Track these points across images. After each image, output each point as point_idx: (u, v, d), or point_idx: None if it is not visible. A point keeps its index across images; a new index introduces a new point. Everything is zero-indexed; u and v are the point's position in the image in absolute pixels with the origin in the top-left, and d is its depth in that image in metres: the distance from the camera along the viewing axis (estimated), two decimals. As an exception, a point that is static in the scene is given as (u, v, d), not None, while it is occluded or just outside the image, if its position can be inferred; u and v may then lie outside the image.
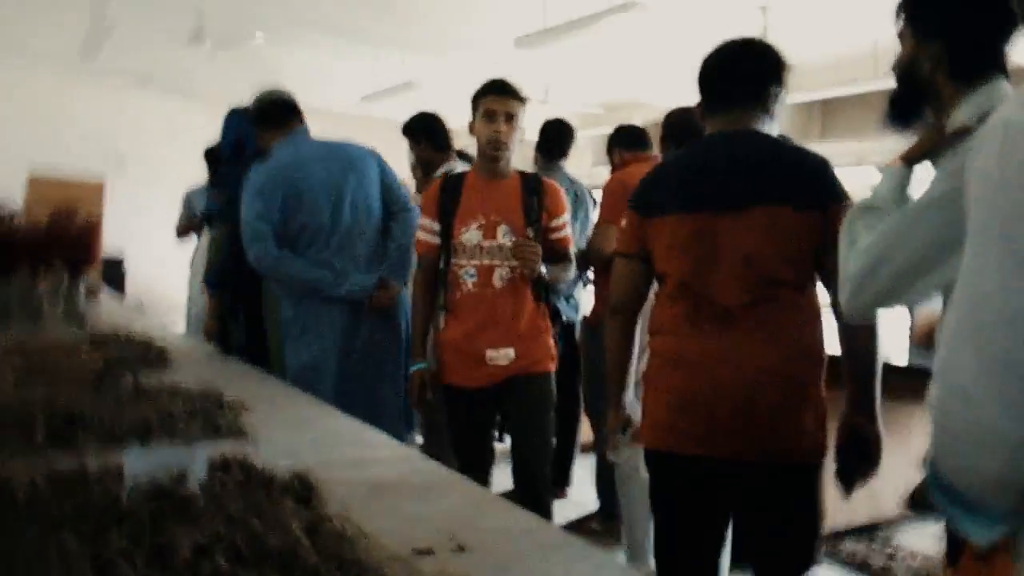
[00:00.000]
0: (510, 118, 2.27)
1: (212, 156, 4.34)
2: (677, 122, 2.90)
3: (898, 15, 1.39)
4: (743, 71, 1.74)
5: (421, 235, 2.37)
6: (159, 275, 7.83)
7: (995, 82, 1.29)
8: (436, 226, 2.32)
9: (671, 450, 1.66)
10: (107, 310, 3.63)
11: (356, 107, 8.77)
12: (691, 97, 1.84)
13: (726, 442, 1.59)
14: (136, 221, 8.07)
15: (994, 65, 1.29)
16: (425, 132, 3.41)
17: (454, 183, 2.34)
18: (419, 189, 3.44)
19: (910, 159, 1.37)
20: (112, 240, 6.71)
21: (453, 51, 7.14)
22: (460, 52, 7.14)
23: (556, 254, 2.35)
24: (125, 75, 8.71)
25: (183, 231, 4.97)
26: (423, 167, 3.42)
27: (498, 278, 2.26)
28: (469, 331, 2.26)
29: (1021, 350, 0.73)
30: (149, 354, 2.15)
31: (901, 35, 1.39)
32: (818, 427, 1.63)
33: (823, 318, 1.70)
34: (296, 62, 8.18)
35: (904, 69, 1.39)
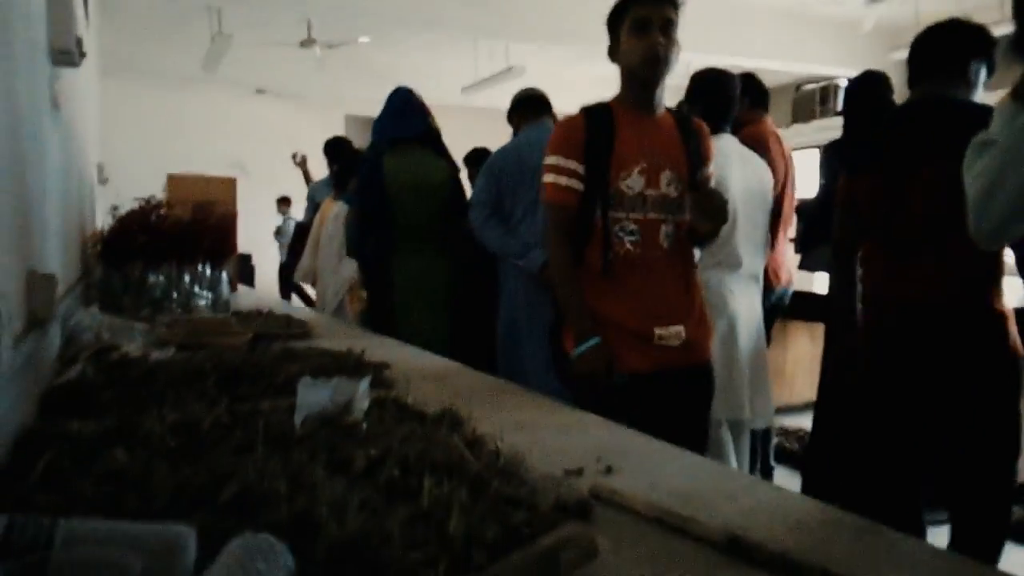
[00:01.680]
0: (667, 26, 1.78)
1: (331, 149, 4.57)
2: (703, 83, 2.80)
3: None
4: (942, 47, 2.07)
5: (557, 179, 1.83)
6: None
7: None
8: (581, 168, 1.81)
9: None
10: (246, 300, 3.87)
11: (458, 98, 8.92)
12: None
13: None
14: (260, 221, 8.55)
15: None
16: (514, 107, 3.41)
17: (601, 115, 1.85)
18: None
19: (1018, 93, 1.38)
20: (240, 238, 7.12)
21: (551, 37, 7.16)
22: (558, 36, 7.15)
23: None
24: (243, 85, 9.20)
25: (309, 223, 5.20)
26: None
27: (664, 236, 1.83)
28: (630, 304, 1.81)
29: None
30: (292, 326, 2.28)
31: None
32: None
33: None
34: (399, 61, 8.43)
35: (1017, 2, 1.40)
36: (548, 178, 1.85)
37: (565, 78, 8.26)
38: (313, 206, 5.04)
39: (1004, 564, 2.24)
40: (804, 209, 3.26)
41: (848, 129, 3.05)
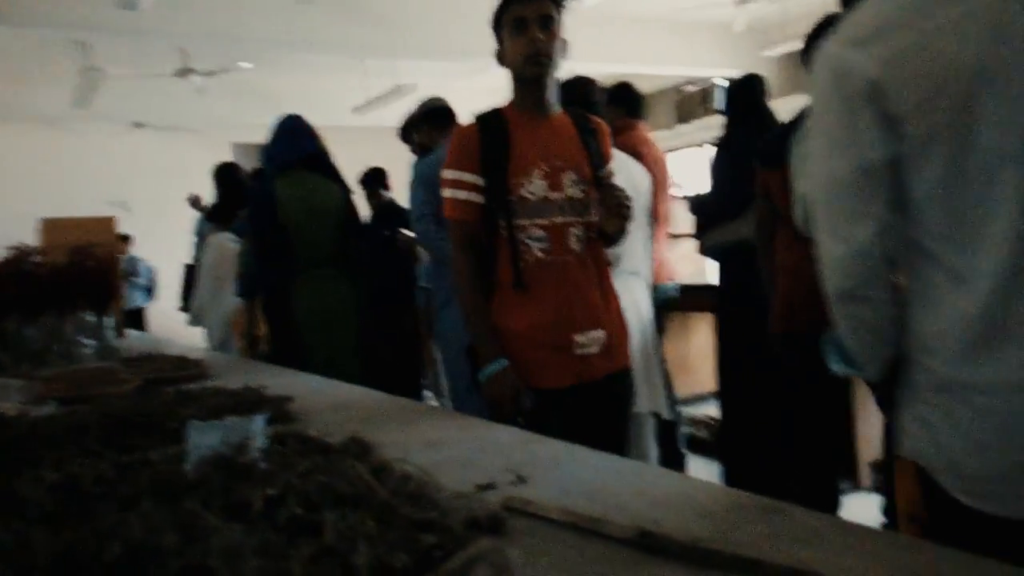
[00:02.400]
0: (546, 22, 1.74)
1: (222, 176, 4.42)
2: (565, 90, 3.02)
3: None
4: None
5: (456, 193, 1.78)
6: (178, 313, 7.90)
7: None
8: (480, 180, 1.76)
9: None
10: (135, 346, 3.68)
11: (348, 119, 8.81)
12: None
13: None
14: (150, 261, 8.16)
15: None
16: (424, 116, 3.43)
17: (495, 122, 1.80)
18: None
19: None
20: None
21: (440, 53, 7.16)
22: (447, 53, 7.16)
23: None
24: (119, 120, 8.81)
25: (197, 262, 4.98)
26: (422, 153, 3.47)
27: (574, 240, 1.78)
28: (546, 313, 1.74)
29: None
30: (186, 367, 2.18)
31: None
32: None
33: None
34: (284, 84, 8.25)
35: None
36: (447, 193, 1.80)
37: (457, 92, 8.28)
38: (202, 242, 4.86)
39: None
40: (697, 202, 3.41)
41: (729, 127, 3.22)
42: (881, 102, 1.02)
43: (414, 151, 3.65)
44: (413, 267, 4.19)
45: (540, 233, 1.75)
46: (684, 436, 3.60)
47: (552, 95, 1.83)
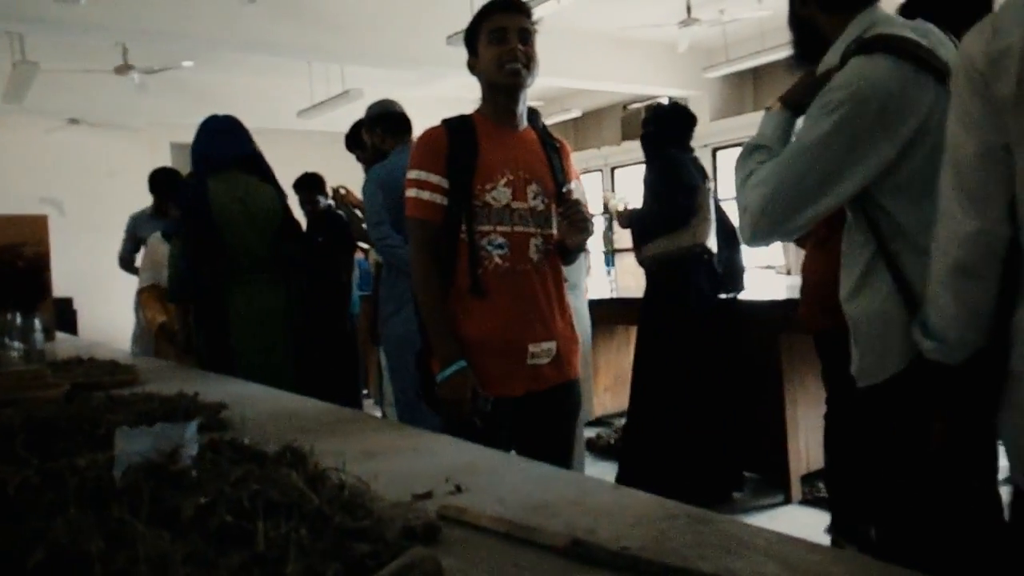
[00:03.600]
0: (525, 36, 1.78)
1: (156, 180, 4.32)
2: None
3: None
4: None
5: (420, 193, 1.78)
6: (110, 314, 7.67)
7: (869, 11, 1.47)
8: (444, 182, 1.77)
9: None
10: (65, 349, 3.56)
11: (293, 122, 8.70)
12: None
13: None
14: (82, 261, 7.89)
15: None
16: (379, 119, 3.38)
17: (463, 127, 1.82)
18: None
19: (787, 102, 1.54)
20: (59, 282, 6.58)
21: (388, 59, 7.14)
22: (395, 60, 7.14)
23: None
24: (54, 115, 8.52)
25: (128, 260, 4.80)
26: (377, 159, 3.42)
27: (534, 250, 1.80)
28: (502, 320, 1.76)
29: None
30: (116, 373, 2.12)
31: None
32: None
33: None
34: (228, 84, 8.11)
35: (791, 16, 1.58)
36: (411, 192, 1.80)
37: (405, 101, 8.27)
38: (133, 240, 4.69)
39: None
40: (633, 217, 3.51)
41: (659, 147, 3.37)
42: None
43: (360, 159, 3.62)
44: (349, 274, 4.16)
45: (501, 240, 1.77)
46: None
47: (524, 108, 1.86)
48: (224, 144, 2.94)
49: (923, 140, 1.38)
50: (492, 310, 1.76)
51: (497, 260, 1.77)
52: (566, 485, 1.08)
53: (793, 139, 1.49)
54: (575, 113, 10.59)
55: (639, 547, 0.80)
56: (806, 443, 3.43)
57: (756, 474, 3.65)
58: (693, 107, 9.80)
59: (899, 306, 1.40)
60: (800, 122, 1.52)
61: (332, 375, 3.85)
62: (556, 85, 7.82)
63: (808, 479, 3.46)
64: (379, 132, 3.35)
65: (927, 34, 1.45)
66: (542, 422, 1.83)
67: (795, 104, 1.53)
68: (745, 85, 9.27)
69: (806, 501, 3.38)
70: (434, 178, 1.78)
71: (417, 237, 1.80)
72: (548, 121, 7.90)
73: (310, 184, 4.52)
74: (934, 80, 1.38)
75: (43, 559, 0.72)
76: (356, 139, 3.59)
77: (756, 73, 9.02)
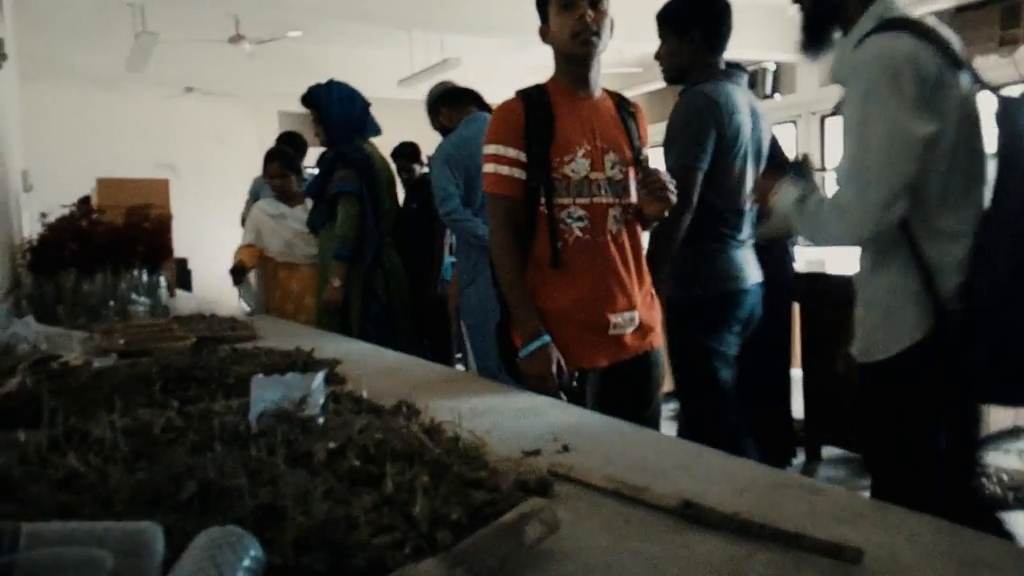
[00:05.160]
0: (596, 1, 1.72)
1: (287, 140, 4.49)
2: None
3: None
4: None
5: (499, 169, 1.75)
6: (222, 273, 8.06)
7: None
8: (523, 156, 1.74)
9: None
10: (185, 305, 3.79)
11: (394, 91, 8.84)
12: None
13: None
14: (195, 224, 8.33)
15: None
16: (442, 97, 3.43)
17: (538, 99, 1.78)
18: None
19: (771, 199, 1.68)
20: (175, 243, 7.00)
21: (487, 28, 7.14)
22: (494, 28, 7.13)
23: None
24: (171, 84, 8.95)
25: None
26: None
27: (612, 221, 1.78)
28: (583, 293, 1.75)
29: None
30: (236, 328, 2.25)
31: None
32: None
33: None
34: (331, 54, 8.30)
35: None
36: (489, 168, 1.77)
37: (501, 68, 8.27)
38: (254, 200, 4.90)
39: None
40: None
41: None
42: None
43: (436, 129, 3.67)
44: (442, 240, 4.22)
45: (581, 212, 1.74)
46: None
47: (598, 75, 1.82)
48: (363, 111, 3.10)
49: (951, 120, 1.41)
50: (573, 282, 1.74)
51: (577, 233, 1.74)
52: (673, 450, 1.09)
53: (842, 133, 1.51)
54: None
55: (749, 512, 0.81)
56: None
57: (859, 454, 3.55)
58: (801, 73, 9.33)
59: (916, 282, 1.45)
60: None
61: (425, 339, 3.94)
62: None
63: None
64: (444, 111, 3.37)
65: (939, 25, 1.49)
66: (627, 392, 1.82)
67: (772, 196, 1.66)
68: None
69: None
70: (512, 152, 1.75)
71: (497, 212, 1.78)
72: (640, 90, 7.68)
73: (407, 153, 4.61)
74: (952, 65, 1.43)
75: (195, 491, 0.80)
76: (432, 113, 3.65)
77: None
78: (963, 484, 1.62)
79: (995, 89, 1.45)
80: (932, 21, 1.50)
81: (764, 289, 2.45)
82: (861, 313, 1.57)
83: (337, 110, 3.09)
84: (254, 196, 4.86)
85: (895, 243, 1.49)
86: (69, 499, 0.80)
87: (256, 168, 4.84)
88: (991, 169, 1.46)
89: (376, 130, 3.19)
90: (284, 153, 3.93)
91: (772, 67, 9.14)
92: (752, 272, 2.40)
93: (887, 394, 1.54)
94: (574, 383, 1.72)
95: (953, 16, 7.41)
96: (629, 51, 8.22)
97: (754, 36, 8.10)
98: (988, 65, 7.24)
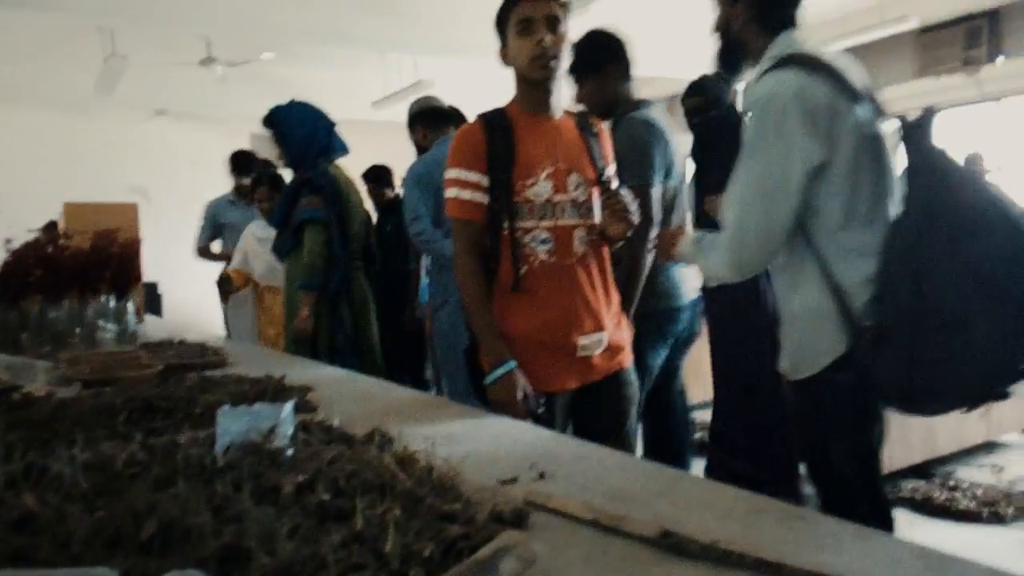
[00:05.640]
0: (554, 24, 1.71)
1: (239, 161, 4.43)
2: None
3: None
4: None
5: (460, 193, 1.74)
6: (194, 298, 7.96)
7: (787, 33, 1.61)
8: (484, 180, 1.73)
9: None
10: (154, 331, 3.71)
11: (368, 113, 8.84)
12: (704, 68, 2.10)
13: None
14: (166, 248, 8.23)
15: (790, 18, 1.63)
16: (418, 116, 3.42)
17: (499, 122, 1.77)
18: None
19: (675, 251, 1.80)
20: (144, 267, 6.91)
21: (461, 50, 7.18)
22: (468, 50, 7.17)
23: None
24: (141, 107, 8.88)
25: (206, 248, 4.77)
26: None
27: (578, 242, 1.76)
28: (549, 316, 1.73)
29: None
30: (206, 355, 2.20)
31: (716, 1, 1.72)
32: None
33: None
34: (304, 76, 8.28)
35: (721, 28, 1.72)
36: (451, 192, 1.76)
37: (475, 90, 8.31)
38: (213, 227, 4.72)
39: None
40: None
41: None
42: None
43: (414, 145, 3.63)
44: (416, 263, 4.19)
45: (546, 235, 1.73)
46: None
47: (559, 96, 1.80)
48: (328, 131, 3.02)
49: (846, 145, 1.51)
50: (539, 306, 1.73)
51: (543, 256, 1.73)
52: (651, 476, 1.07)
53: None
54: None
55: (729, 540, 0.80)
56: (887, 442, 3.32)
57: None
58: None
59: (830, 300, 1.52)
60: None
61: (398, 362, 3.90)
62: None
63: (890, 478, 3.36)
64: (420, 129, 3.38)
65: (837, 59, 1.60)
66: (598, 413, 1.80)
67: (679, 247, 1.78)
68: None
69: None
70: (474, 176, 1.74)
71: (460, 237, 1.77)
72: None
73: (378, 176, 4.60)
74: (846, 96, 1.52)
75: (156, 531, 0.76)
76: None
77: (866, 49, 8.71)
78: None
79: (900, 116, 1.54)
80: (832, 56, 1.59)
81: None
82: (785, 332, 1.64)
83: (298, 131, 2.98)
84: (211, 222, 4.75)
85: (806, 263, 1.57)
86: (24, 542, 0.76)
87: (228, 190, 4.79)
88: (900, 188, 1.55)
89: (343, 149, 3.08)
90: (271, 176, 3.89)
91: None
92: (688, 289, 2.52)
93: (818, 408, 1.60)
94: (540, 408, 1.70)
95: (917, 36, 7.57)
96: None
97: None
98: (952, 84, 7.40)
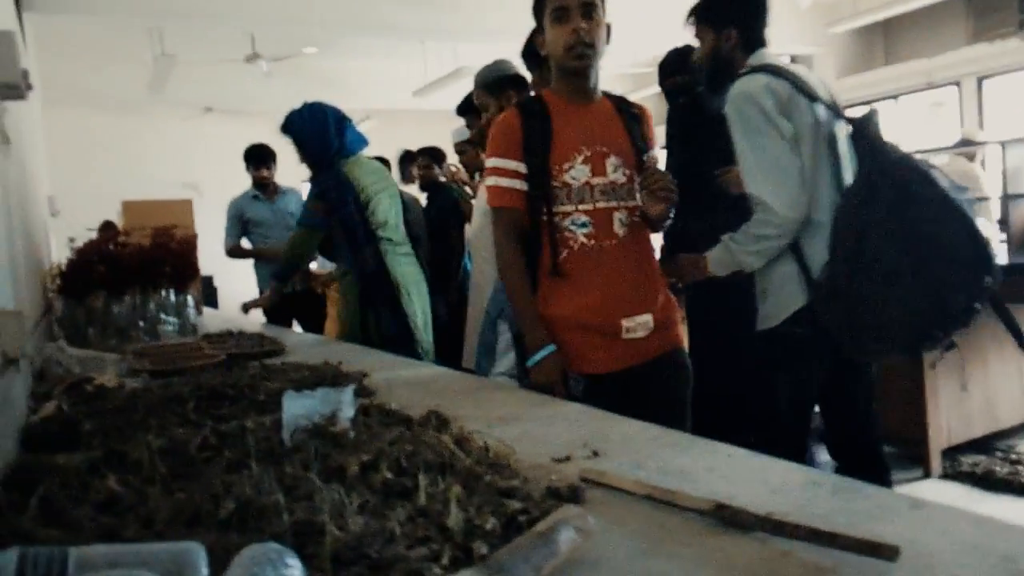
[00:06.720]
0: (589, 11, 1.72)
1: (255, 155, 4.48)
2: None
3: (690, 21, 2.08)
4: None
5: (500, 181, 1.78)
6: (248, 290, 8.16)
7: (763, 49, 2.02)
8: (522, 167, 1.76)
9: None
10: (213, 323, 3.83)
11: (410, 102, 8.90)
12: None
13: None
14: (219, 242, 8.44)
15: (764, 39, 2.04)
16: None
17: (535, 108, 1.80)
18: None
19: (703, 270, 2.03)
20: (201, 260, 7.11)
21: (500, 35, 7.18)
22: (507, 35, 7.17)
23: None
24: (191, 104, 9.09)
25: (236, 247, 4.75)
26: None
27: (618, 224, 1.77)
28: (591, 299, 1.74)
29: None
30: (265, 344, 2.28)
31: (700, 34, 2.07)
32: None
33: None
34: (346, 69, 8.38)
35: (710, 56, 2.06)
36: (490, 181, 1.80)
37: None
38: (239, 224, 4.71)
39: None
40: None
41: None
42: None
43: (470, 125, 3.54)
44: (461, 247, 4.20)
45: (584, 219, 1.75)
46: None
47: (595, 82, 1.81)
48: (340, 128, 3.02)
49: (808, 135, 1.87)
50: (581, 289, 1.74)
51: (582, 239, 1.75)
52: (702, 452, 1.09)
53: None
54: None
55: (783, 513, 0.81)
56: (947, 416, 3.27)
57: (894, 448, 3.51)
58: (817, 65, 9.28)
59: (794, 266, 1.89)
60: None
61: (443, 346, 3.93)
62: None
63: (949, 453, 3.31)
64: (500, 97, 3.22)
65: (797, 69, 1.98)
66: (646, 395, 1.78)
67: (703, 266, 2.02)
68: (875, 39, 8.74)
69: (947, 475, 3.23)
70: (512, 164, 1.76)
71: (501, 225, 1.79)
72: (652, 90, 7.59)
73: (431, 154, 4.65)
74: (804, 95, 1.89)
75: (234, 510, 0.81)
76: (469, 105, 3.51)
77: (887, 25, 8.48)
78: (863, 438, 2.04)
79: (857, 116, 1.90)
80: (793, 67, 1.99)
81: None
82: (760, 293, 1.97)
83: (310, 134, 3.00)
84: (237, 219, 4.73)
85: None
86: (111, 522, 0.81)
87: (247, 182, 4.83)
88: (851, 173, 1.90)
89: (361, 143, 3.08)
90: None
91: (787, 60, 9.08)
92: None
93: (775, 356, 1.95)
94: (580, 389, 1.71)
95: (969, 1, 7.33)
96: (643, 52, 8.21)
97: (768, 30, 8.06)
98: (1008, 49, 7.14)
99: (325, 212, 2.96)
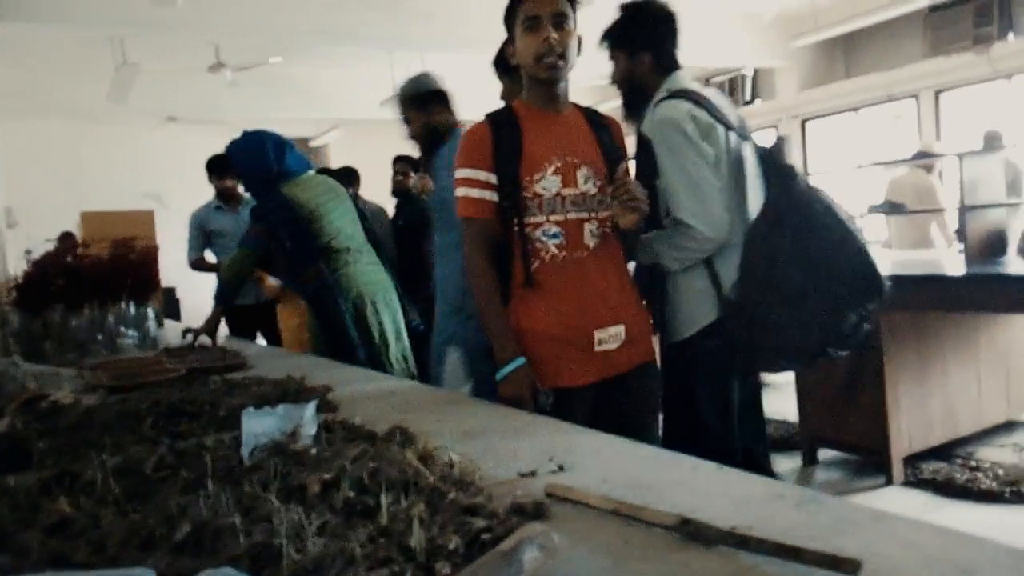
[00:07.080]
0: (560, 21, 1.72)
1: (216, 166, 4.42)
2: None
3: (603, 45, 2.13)
4: None
5: (470, 192, 1.75)
6: (209, 305, 8.04)
7: (676, 74, 2.07)
8: (492, 177, 1.74)
9: None
10: (174, 336, 3.76)
11: (376, 112, 8.87)
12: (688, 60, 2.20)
13: None
14: (182, 252, 8.31)
15: (677, 61, 2.10)
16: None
17: (505, 118, 1.79)
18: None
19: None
20: (162, 272, 6.99)
21: (469, 46, 7.19)
22: (476, 46, 7.18)
23: None
24: (153, 114, 8.96)
25: (200, 259, 4.67)
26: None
27: (589, 235, 1.76)
28: (563, 311, 1.73)
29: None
30: (227, 358, 2.24)
31: (614, 57, 2.12)
32: None
33: None
34: (313, 78, 8.32)
35: (625, 79, 2.12)
36: (460, 192, 1.77)
37: (483, 86, 8.32)
38: (202, 236, 4.62)
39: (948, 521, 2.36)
40: None
41: None
42: None
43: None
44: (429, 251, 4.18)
45: (555, 229, 1.73)
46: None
47: (566, 91, 1.81)
48: (279, 154, 2.98)
49: (723, 160, 1.96)
50: (553, 300, 1.73)
51: (553, 250, 1.73)
52: (668, 466, 1.09)
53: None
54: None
55: (747, 527, 0.81)
56: (908, 424, 3.32)
57: (855, 455, 3.56)
58: (779, 78, 9.39)
59: (706, 282, 1.96)
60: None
61: (423, 354, 3.90)
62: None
63: (910, 460, 3.36)
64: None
65: (713, 95, 2.06)
66: (618, 407, 1.78)
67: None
68: (836, 52, 8.91)
69: (908, 483, 3.27)
70: (482, 175, 1.75)
71: (471, 236, 1.77)
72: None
73: (412, 162, 4.63)
74: (721, 122, 1.98)
75: (189, 532, 0.79)
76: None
77: (848, 39, 8.66)
78: (751, 444, 2.12)
79: (765, 145, 2.06)
80: (708, 91, 2.07)
81: None
82: (670, 307, 2.03)
83: (249, 161, 2.99)
84: (199, 231, 4.63)
85: None
86: (61, 546, 0.79)
87: (207, 194, 4.75)
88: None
89: (302, 167, 3.05)
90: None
91: (750, 73, 9.23)
92: None
93: (689, 366, 2.01)
94: (549, 403, 1.69)
95: (927, 15, 7.51)
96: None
97: (731, 44, 8.18)
98: (963, 63, 7.33)
99: (263, 234, 2.94)
